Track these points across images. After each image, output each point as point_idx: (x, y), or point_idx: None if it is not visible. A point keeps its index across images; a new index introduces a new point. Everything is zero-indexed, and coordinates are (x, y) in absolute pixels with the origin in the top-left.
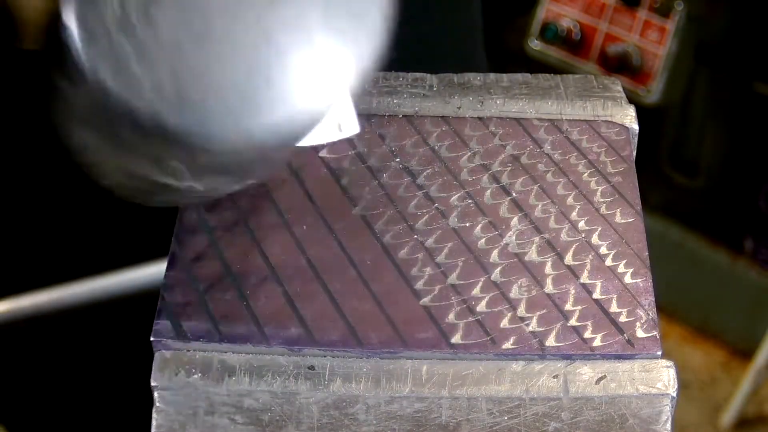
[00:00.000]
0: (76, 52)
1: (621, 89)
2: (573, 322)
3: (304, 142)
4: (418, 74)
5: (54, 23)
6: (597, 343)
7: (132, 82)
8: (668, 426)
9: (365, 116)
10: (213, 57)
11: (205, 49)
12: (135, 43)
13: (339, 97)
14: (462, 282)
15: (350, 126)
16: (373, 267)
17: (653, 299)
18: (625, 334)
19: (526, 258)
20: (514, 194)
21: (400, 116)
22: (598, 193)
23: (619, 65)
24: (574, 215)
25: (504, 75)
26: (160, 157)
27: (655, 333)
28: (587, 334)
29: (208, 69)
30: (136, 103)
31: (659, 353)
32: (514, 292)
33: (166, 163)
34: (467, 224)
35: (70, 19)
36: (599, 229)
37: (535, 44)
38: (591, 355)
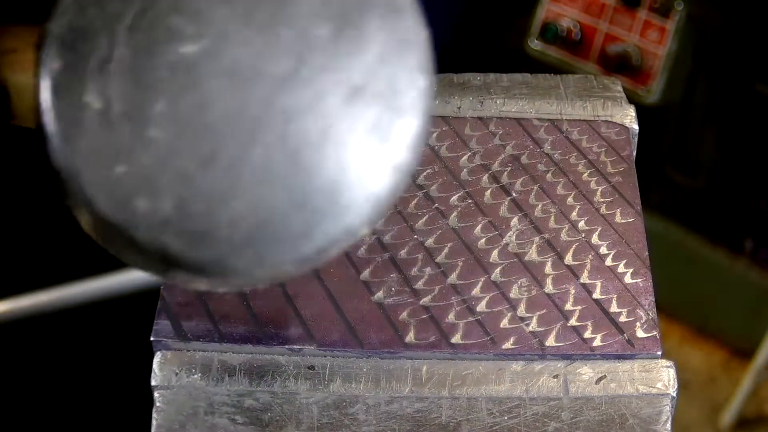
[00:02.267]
0: (51, 148)
1: (621, 89)
2: (573, 322)
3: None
4: None
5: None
6: (597, 343)
7: (123, 204)
8: (668, 426)
9: None
10: (227, 182)
11: (216, 172)
12: (125, 153)
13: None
14: (462, 282)
15: None
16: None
17: (653, 299)
18: (625, 334)
19: (526, 258)
20: (514, 194)
21: None
22: (598, 193)
23: (619, 65)
24: (574, 215)
25: (504, 75)
26: (166, 270)
27: (655, 333)
28: (587, 334)
29: (222, 197)
30: (132, 231)
31: (659, 353)
32: (514, 292)
33: (172, 274)
34: (467, 224)
35: (47, 109)
36: (599, 229)
37: (535, 44)
38: (591, 355)
